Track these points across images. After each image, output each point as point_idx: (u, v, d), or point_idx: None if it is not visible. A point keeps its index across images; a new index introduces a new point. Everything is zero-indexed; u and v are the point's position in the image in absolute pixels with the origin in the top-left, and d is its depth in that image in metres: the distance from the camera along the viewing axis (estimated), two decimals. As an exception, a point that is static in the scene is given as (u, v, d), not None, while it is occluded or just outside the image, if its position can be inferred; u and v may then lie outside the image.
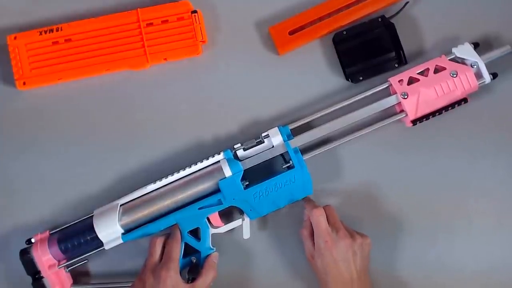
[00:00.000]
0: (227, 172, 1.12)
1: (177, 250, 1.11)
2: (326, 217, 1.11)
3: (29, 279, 1.15)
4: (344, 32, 1.22)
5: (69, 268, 1.17)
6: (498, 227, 1.18)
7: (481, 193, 1.18)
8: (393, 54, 1.21)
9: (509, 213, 1.18)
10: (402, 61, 1.21)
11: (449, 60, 1.16)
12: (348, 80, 1.21)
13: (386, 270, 1.17)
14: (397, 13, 1.21)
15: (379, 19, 1.21)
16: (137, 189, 1.15)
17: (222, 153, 1.15)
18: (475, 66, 1.15)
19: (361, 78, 1.21)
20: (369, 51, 1.22)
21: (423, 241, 1.18)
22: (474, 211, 1.18)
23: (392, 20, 1.21)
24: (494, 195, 1.18)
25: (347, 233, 1.10)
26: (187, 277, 1.12)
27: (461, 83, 1.14)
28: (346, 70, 1.22)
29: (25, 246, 1.16)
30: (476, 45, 1.17)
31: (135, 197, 1.15)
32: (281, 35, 1.22)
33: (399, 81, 1.15)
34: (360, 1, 1.22)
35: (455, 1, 1.23)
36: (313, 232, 1.12)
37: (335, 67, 1.23)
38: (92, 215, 1.15)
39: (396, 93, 1.15)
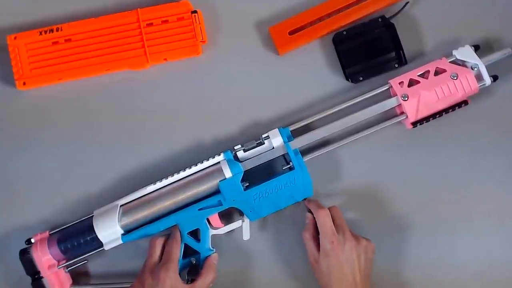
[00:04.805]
0: (227, 173, 1.13)
1: (177, 251, 1.11)
2: (332, 218, 1.12)
3: (28, 279, 1.15)
4: (344, 32, 1.22)
5: (68, 269, 1.17)
6: (498, 227, 1.18)
7: (482, 194, 1.19)
8: (393, 54, 1.21)
9: (509, 213, 1.18)
10: (402, 61, 1.21)
11: (450, 62, 1.16)
12: (348, 80, 1.21)
13: (387, 270, 1.17)
14: (397, 13, 1.21)
15: (379, 19, 1.21)
16: (137, 189, 1.15)
17: (222, 154, 1.15)
18: (475, 69, 1.15)
19: (361, 78, 1.21)
20: (369, 51, 1.22)
21: (424, 242, 1.18)
22: (475, 211, 1.18)
23: (392, 20, 1.21)
24: (494, 196, 1.19)
25: (352, 235, 1.11)
26: (186, 278, 1.12)
27: (462, 86, 1.14)
28: (346, 70, 1.22)
29: (25, 246, 1.16)
30: (476, 48, 1.17)
31: (135, 198, 1.15)
32: (281, 35, 1.22)
33: (399, 83, 1.15)
34: (360, 1, 1.22)
35: (455, 2, 1.23)
36: (316, 234, 1.12)
37: (335, 67, 1.23)
38: (92, 216, 1.15)
39: (396, 95, 1.15)
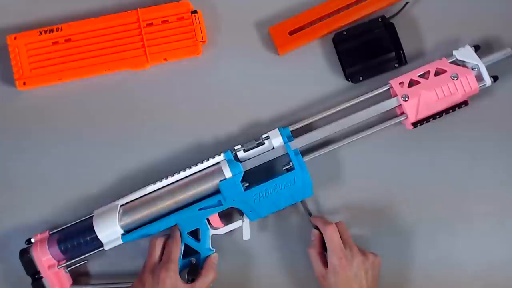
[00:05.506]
0: (227, 173, 1.12)
1: (177, 251, 1.11)
2: (339, 234, 1.11)
3: (28, 279, 1.15)
4: (344, 32, 1.22)
5: (68, 268, 1.17)
6: (498, 227, 1.18)
7: (482, 195, 1.18)
8: (393, 54, 1.21)
9: (509, 213, 1.18)
10: (402, 61, 1.21)
11: (450, 62, 1.16)
12: (348, 80, 1.21)
13: (387, 270, 1.16)
14: (397, 13, 1.21)
15: (379, 19, 1.21)
16: (137, 189, 1.15)
17: (222, 154, 1.15)
18: (476, 69, 1.15)
19: (361, 78, 1.21)
20: (369, 51, 1.22)
21: (424, 242, 1.18)
22: (475, 212, 1.18)
23: (392, 20, 1.21)
24: (494, 196, 1.18)
25: (359, 251, 1.10)
26: (186, 278, 1.12)
27: (462, 86, 1.14)
28: (346, 70, 1.21)
29: (25, 246, 1.16)
30: (477, 48, 1.17)
31: (135, 198, 1.15)
32: (281, 35, 1.22)
33: (399, 84, 1.15)
34: (360, 1, 1.22)
35: (455, 2, 1.23)
36: (322, 251, 1.12)
37: (335, 67, 1.23)
38: (92, 216, 1.15)
39: (396, 95, 1.15)
